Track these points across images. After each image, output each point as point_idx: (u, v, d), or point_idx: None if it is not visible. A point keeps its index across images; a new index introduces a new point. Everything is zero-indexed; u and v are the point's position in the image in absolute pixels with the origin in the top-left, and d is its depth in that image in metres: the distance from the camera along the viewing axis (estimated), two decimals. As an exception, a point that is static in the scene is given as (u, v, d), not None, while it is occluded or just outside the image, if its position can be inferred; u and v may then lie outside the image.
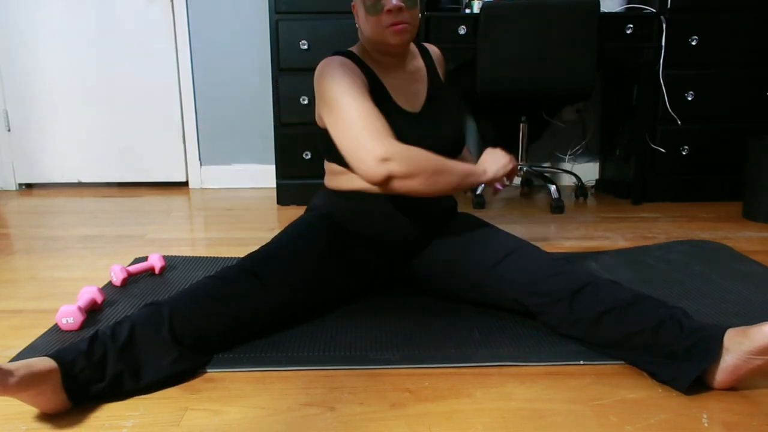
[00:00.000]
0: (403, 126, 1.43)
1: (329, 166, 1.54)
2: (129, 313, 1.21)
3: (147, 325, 1.16)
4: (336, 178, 1.52)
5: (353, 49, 1.53)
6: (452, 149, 1.51)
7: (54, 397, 1.04)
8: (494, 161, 1.44)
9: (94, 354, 1.08)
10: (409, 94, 1.51)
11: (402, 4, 1.37)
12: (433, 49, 1.65)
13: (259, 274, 1.32)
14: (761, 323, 1.07)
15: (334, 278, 1.45)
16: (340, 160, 1.47)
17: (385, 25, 1.39)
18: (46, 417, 1.06)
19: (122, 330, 1.14)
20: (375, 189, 1.46)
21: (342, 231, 1.49)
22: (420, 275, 1.55)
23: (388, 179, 1.27)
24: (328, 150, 1.50)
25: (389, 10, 1.37)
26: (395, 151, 1.26)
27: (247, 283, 1.30)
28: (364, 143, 1.27)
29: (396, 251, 1.53)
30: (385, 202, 1.48)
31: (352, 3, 1.47)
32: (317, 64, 2.62)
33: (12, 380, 0.95)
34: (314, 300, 1.42)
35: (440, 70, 1.63)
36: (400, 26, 1.39)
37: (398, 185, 1.28)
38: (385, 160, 1.26)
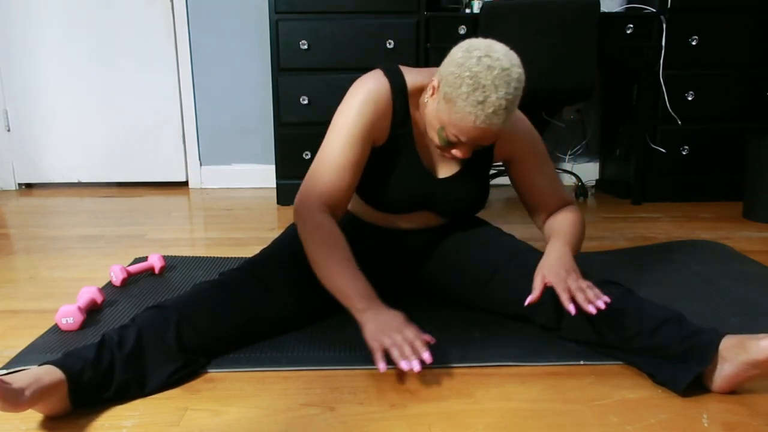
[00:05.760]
0: (417, 185, 1.36)
1: None
2: (135, 315, 1.20)
3: (153, 334, 1.16)
4: None
5: (411, 81, 1.32)
6: (464, 214, 1.45)
7: (58, 405, 1.04)
8: (381, 326, 1.14)
9: (102, 363, 1.08)
10: (440, 157, 1.39)
11: (469, 156, 1.26)
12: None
13: (266, 282, 1.32)
14: (759, 336, 1.07)
15: None
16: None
17: (441, 150, 1.28)
18: (46, 417, 1.06)
19: (129, 337, 1.13)
20: (366, 215, 1.44)
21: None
22: (419, 277, 1.54)
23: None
24: None
25: (453, 153, 1.26)
26: (310, 219, 1.26)
27: (253, 293, 1.30)
28: (307, 187, 1.29)
29: (389, 270, 1.52)
30: (375, 230, 1.46)
31: (436, 83, 1.21)
32: (318, 64, 2.65)
33: (23, 399, 0.96)
34: (318, 305, 1.42)
35: (501, 149, 1.40)
36: (453, 158, 1.29)
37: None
38: (298, 215, 1.28)
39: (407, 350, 1.09)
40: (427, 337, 1.15)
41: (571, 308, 1.14)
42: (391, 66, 1.34)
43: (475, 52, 1.14)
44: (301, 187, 1.31)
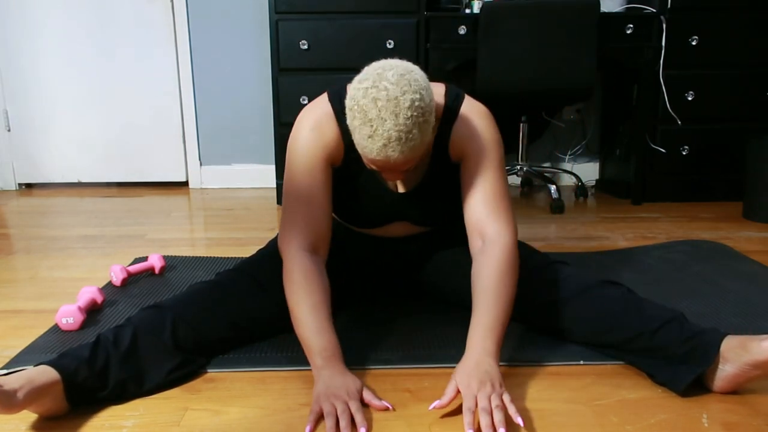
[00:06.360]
0: (381, 203, 1.35)
1: None
2: (131, 315, 1.20)
3: (149, 332, 1.16)
4: None
5: None
6: (443, 221, 1.42)
7: (55, 405, 1.04)
8: (328, 390, 1.07)
9: (97, 362, 1.08)
10: None
11: (403, 177, 1.20)
12: (458, 129, 1.28)
13: (262, 282, 1.32)
14: (761, 337, 1.07)
15: (333, 280, 1.45)
16: None
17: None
18: (46, 417, 1.06)
19: (124, 336, 1.14)
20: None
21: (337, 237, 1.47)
22: (418, 279, 1.53)
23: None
24: None
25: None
26: (289, 260, 1.22)
27: (250, 293, 1.30)
28: (284, 226, 1.26)
29: (382, 274, 1.51)
30: (364, 238, 1.45)
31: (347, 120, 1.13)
32: (318, 64, 2.65)
33: (16, 400, 0.95)
34: None
35: (454, 151, 1.30)
36: (395, 179, 1.21)
37: None
38: (284, 255, 1.23)
39: (344, 422, 1.01)
40: (380, 405, 1.10)
41: None
42: (337, 87, 1.29)
43: (364, 83, 1.08)
44: (279, 228, 1.28)
